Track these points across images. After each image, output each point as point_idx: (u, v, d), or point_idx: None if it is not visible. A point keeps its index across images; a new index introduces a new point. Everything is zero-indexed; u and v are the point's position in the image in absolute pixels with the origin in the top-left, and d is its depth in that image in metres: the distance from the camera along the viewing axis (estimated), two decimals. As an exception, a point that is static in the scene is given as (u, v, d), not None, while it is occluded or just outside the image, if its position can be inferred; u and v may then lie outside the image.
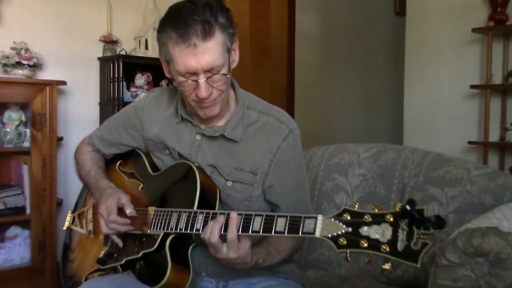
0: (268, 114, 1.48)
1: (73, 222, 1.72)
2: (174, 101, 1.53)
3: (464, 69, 3.95)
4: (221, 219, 1.27)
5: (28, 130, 2.82)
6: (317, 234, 1.14)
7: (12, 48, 2.84)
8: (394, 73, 5.44)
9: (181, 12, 1.30)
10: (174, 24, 1.30)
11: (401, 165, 2.05)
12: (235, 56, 1.41)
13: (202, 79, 1.31)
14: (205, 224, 1.31)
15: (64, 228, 1.75)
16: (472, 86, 3.78)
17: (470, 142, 3.84)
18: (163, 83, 3.33)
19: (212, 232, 1.26)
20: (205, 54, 1.29)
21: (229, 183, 1.45)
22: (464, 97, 3.97)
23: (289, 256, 1.49)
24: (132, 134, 1.61)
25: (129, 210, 1.46)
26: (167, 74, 1.42)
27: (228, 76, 1.36)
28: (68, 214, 1.75)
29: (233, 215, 1.26)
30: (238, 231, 1.25)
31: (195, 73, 1.31)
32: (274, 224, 1.21)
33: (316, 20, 4.89)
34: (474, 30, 3.74)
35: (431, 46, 4.14)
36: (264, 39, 4.37)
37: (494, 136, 3.76)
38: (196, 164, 1.45)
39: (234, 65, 1.41)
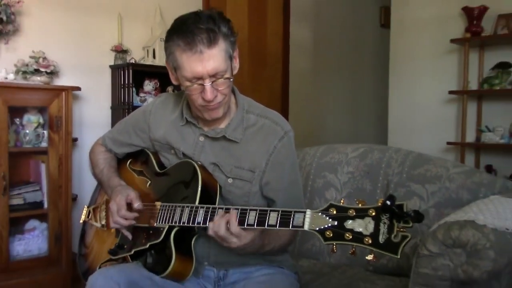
0: (265, 117, 1.48)
1: (88, 215, 1.72)
2: (180, 106, 1.53)
3: (443, 76, 3.96)
4: (225, 214, 1.26)
5: (45, 132, 2.81)
6: (306, 227, 1.14)
7: (31, 57, 2.84)
8: (379, 80, 5.44)
9: (186, 23, 1.30)
10: (181, 33, 1.30)
11: (385, 163, 2.05)
12: (236, 64, 1.41)
13: (207, 83, 1.31)
14: (205, 217, 1.31)
15: (81, 221, 1.75)
16: (450, 92, 3.79)
17: (448, 143, 3.84)
18: (169, 89, 3.32)
19: (219, 226, 1.25)
20: (210, 60, 1.29)
21: (230, 180, 1.45)
22: (443, 101, 3.97)
23: (288, 242, 1.48)
24: (140, 135, 1.61)
25: (136, 204, 1.46)
26: (174, 82, 1.42)
27: (231, 80, 1.36)
28: (84, 208, 1.75)
29: (233, 211, 1.26)
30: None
31: (201, 78, 1.31)
32: (267, 218, 1.21)
33: (309, 32, 4.89)
34: (452, 40, 3.74)
35: (413, 55, 4.15)
36: (261, 49, 4.37)
37: (470, 137, 3.77)
38: (199, 162, 1.45)
39: (235, 71, 1.41)
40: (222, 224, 1.25)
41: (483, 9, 3.61)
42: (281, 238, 1.42)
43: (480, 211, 1.46)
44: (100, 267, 1.54)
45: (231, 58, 1.36)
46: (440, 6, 3.97)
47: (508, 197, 1.64)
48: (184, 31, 1.29)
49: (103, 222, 1.64)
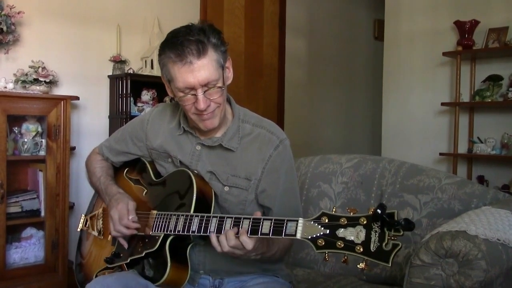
0: (261, 127, 1.49)
1: (85, 224, 1.71)
2: (177, 115, 1.53)
3: (435, 88, 3.98)
4: (231, 228, 1.24)
5: (44, 140, 2.80)
6: (298, 235, 1.13)
7: (30, 67, 2.84)
8: (373, 91, 5.47)
9: (177, 35, 1.32)
10: (172, 46, 1.31)
11: (379, 174, 2.05)
12: (229, 74, 1.41)
13: (200, 93, 1.32)
14: (200, 226, 1.30)
15: (78, 229, 1.74)
16: (443, 104, 3.80)
17: (441, 154, 3.85)
18: (167, 99, 3.32)
19: (228, 239, 1.22)
20: (201, 70, 1.30)
21: (226, 188, 1.44)
22: (435, 113, 3.99)
23: (290, 247, 1.46)
24: (137, 144, 1.61)
25: (130, 216, 1.45)
26: (169, 93, 1.43)
27: (223, 89, 1.36)
28: (82, 217, 1.74)
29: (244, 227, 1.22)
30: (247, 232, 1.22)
31: (193, 88, 1.32)
32: (260, 226, 1.20)
33: (304, 44, 4.91)
34: (444, 53, 3.77)
35: (406, 68, 4.17)
36: (257, 60, 4.39)
37: (462, 148, 3.78)
38: (195, 171, 1.45)
39: (229, 81, 1.41)
40: (231, 235, 1.22)
41: (474, 23, 3.64)
42: (279, 245, 1.40)
43: (472, 222, 1.46)
44: (96, 275, 1.53)
45: (222, 67, 1.36)
46: (433, 20, 4.01)
47: (499, 208, 1.65)
48: (175, 43, 1.31)
49: (100, 230, 1.63)
